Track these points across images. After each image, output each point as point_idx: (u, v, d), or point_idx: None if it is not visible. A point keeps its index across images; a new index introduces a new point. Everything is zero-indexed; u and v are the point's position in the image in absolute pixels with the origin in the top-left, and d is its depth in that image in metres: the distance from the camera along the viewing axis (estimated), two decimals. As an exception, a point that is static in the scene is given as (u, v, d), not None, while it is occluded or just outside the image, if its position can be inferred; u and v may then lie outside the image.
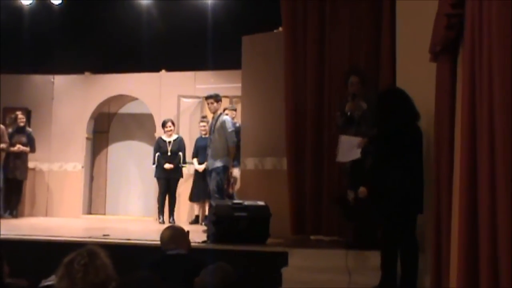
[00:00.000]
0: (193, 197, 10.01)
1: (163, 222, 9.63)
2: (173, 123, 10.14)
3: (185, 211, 10.54)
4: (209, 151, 8.53)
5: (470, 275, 3.21)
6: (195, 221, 9.87)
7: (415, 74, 5.59)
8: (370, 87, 6.54)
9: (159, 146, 10.08)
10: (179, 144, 10.04)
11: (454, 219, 3.79)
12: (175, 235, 4.40)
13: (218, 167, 8.33)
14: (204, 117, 10.11)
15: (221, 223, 6.55)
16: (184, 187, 10.38)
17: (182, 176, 10.12)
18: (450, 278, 3.86)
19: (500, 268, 2.89)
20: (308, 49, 7.48)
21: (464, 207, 3.30)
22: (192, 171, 10.20)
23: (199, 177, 9.80)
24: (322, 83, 7.32)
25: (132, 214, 11.69)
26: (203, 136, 9.93)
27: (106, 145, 12.37)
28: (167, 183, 9.99)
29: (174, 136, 10.12)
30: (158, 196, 10.10)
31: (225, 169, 8.43)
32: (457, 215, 3.55)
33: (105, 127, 12.33)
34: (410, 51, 5.72)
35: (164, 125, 10.11)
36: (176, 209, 10.09)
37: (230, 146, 8.42)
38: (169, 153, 9.95)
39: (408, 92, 5.47)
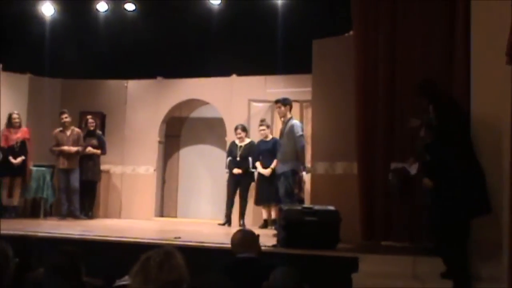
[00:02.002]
0: (258, 201, 10.10)
1: (229, 225, 9.92)
2: (243, 129, 10.26)
3: (250, 214, 10.64)
4: (278, 155, 8.58)
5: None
6: (264, 225, 9.93)
7: (491, 76, 5.48)
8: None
9: (231, 150, 10.25)
10: (250, 149, 10.13)
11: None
12: (246, 238, 4.44)
13: (286, 171, 8.37)
14: (263, 120, 10.16)
15: (291, 227, 6.57)
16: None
17: (254, 180, 10.20)
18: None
19: None
20: (379, 53, 7.42)
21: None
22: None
23: (263, 180, 9.88)
24: (393, 87, 7.25)
25: (203, 217, 11.84)
26: (264, 140, 10.00)
27: (178, 149, 12.58)
28: (235, 187, 10.13)
29: (247, 141, 10.23)
30: (227, 200, 10.27)
31: (294, 173, 8.45)
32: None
33: (177, 131, 12.55)
34: (486, 53, 5.61)
35: (235, 130, 10.27)
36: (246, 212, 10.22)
37: (299, 151, 8.45)
38: (238, 158, 10.09)
39: (484, 94, 5.40)
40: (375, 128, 7.34)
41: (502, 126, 4.98)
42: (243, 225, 9.85)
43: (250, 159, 10.08)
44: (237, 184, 10.14)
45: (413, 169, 6.15)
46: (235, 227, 9.71)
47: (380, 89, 7.35)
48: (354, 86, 7.54)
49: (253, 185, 10.23)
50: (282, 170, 8.42)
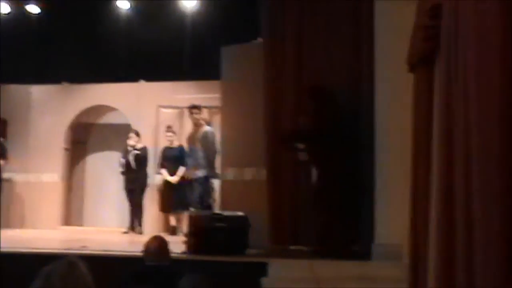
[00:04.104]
0: (164, 208, 10.05)
1: (127, 232, 9.98)
2: (136, 134, 10.24)
3: (156, 221, 10.60)
4: (191, 161, 8.54)
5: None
6: (173, 232, 9.86)
7: (394, 84, 5.67)
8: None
9: (123, 157, 10.32)
10: (140, 154, 10.15)
11: (431, 228, 3.83)
12: (162, 246, 4.40)
13: (200, 178, 8.38)
14: (169, 127, 10.17)
15: (200, 233, 6.55)
16: (152, 197, 10.48)
17: (146, 186, 10.19)
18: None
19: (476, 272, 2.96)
20: (287, 59, 7.52)
21: (441, 218, 3.35)
22: (155, 181, 10.35)
23: (169, 187, 9.84)
24: (300, 94, 7.35)
25: (110, 226, 11.62)
26: (169, 146, 9.98)
27: (84, 156, 12.30)
28: (132, 194, 10.13)
29: (139, 146, 10.19)
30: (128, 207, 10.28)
31: (207, 179, 8.48)
32: (434, 224, 3.60)
33: (83, 138, 12.26)
34: (389, 62, 5.79)
35: (128, 136, 10.32)
36: (149, 219, 10.22)
37: (213, 157, 8.49)
38: (131, 163, 10.14)
39: (388, 103, 5.59)
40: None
41: (404, 135, 5.15)
42: (140, 232, 9.86)
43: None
44: (132, 190, 10.18)
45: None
46: (139, 234, 9.69)
47: (287, 96, 7.45)
48: (262, 93, 7.59)
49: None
50: (196, 176, 8.41)
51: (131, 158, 10.12)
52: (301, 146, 6.46)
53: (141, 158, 10.13)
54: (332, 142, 6.10)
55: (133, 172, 10.11)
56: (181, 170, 9.63)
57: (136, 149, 10.19)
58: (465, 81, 3.12)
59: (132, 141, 10.22)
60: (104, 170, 12.03)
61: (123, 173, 10.24)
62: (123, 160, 10.23)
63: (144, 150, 10.24)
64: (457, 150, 3.25)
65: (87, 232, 10.56)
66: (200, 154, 8.44)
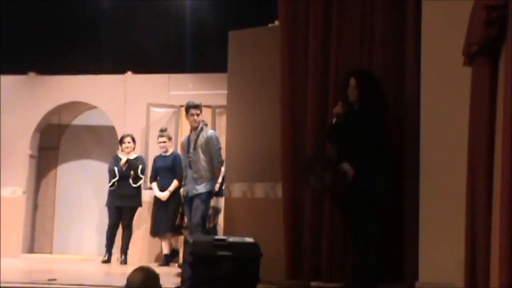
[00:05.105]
0: (154, 231, 10.04)
1: (108, 261, 10.04)
2: (133, 139, 10.24)
3: (145, 248, 10.63)
4: (189, 173, 8.54)
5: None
6: (165, 262, 9.84)
7: (443, 79, 5.66)
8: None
9: (114, 166, 10.30)
10: (135, 164, 10.21)
11: (494, 232, 3.83)
12: (149, 279, 4.38)
13: (202, 194, 8.37)
14: (163, 130, 10.20)
15: (199, 264, 6.51)
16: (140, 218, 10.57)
17: (140, 204, 10.23)
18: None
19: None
20: (311, 47, 7.47)
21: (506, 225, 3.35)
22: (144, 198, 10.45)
23: (160, 205, 9.85)
24: (326, 90, 7.30)
25: (86, 253, 11.64)
26: (163, 154, 9.99)
27: (55, 165, 12.34)
28: (119, 213, 10.21)
29: (133, 155, 10.23)
30: (107, 229, 10.33)
31: (211, 196, 8.51)
32: (497, 227, 3.60)
33: (54, 142, 12.31)
34: (438, 54, 5.78)
35: (121, 140, 10.35)
36: (136, 246, 10.40)
37: (216, 167, 8.50)
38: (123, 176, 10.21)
39: (436, 100, 5.59)
40: (304, 141, 7.38)
41: (457, 134, 5.16)
42: (124, 262, 9.94)
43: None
44: (121, 208, 10.29)
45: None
46: (122, 264, 9.80)
47: (310, 92, 7.41)
48: (279, 88, 7.56)
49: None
50: (197, 191, 8.41)
51: (124, 169, 10.11)
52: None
53: (136, 170, 10.13)
54: (373, 147, 6.11)
55: (125, 187, 10.11)
56: (174, 184, 9.64)
57: (130, 158, 10.19)
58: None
59: (127, 147, 10.23)
60: (80, 183, 12.06)
61: (111, 186, 10.22)
62: (114, 170, 10.21)
63: (140, 159, 10.28)
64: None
65: (57, 261, 10.61)
66: (201, 163, 8.42)
